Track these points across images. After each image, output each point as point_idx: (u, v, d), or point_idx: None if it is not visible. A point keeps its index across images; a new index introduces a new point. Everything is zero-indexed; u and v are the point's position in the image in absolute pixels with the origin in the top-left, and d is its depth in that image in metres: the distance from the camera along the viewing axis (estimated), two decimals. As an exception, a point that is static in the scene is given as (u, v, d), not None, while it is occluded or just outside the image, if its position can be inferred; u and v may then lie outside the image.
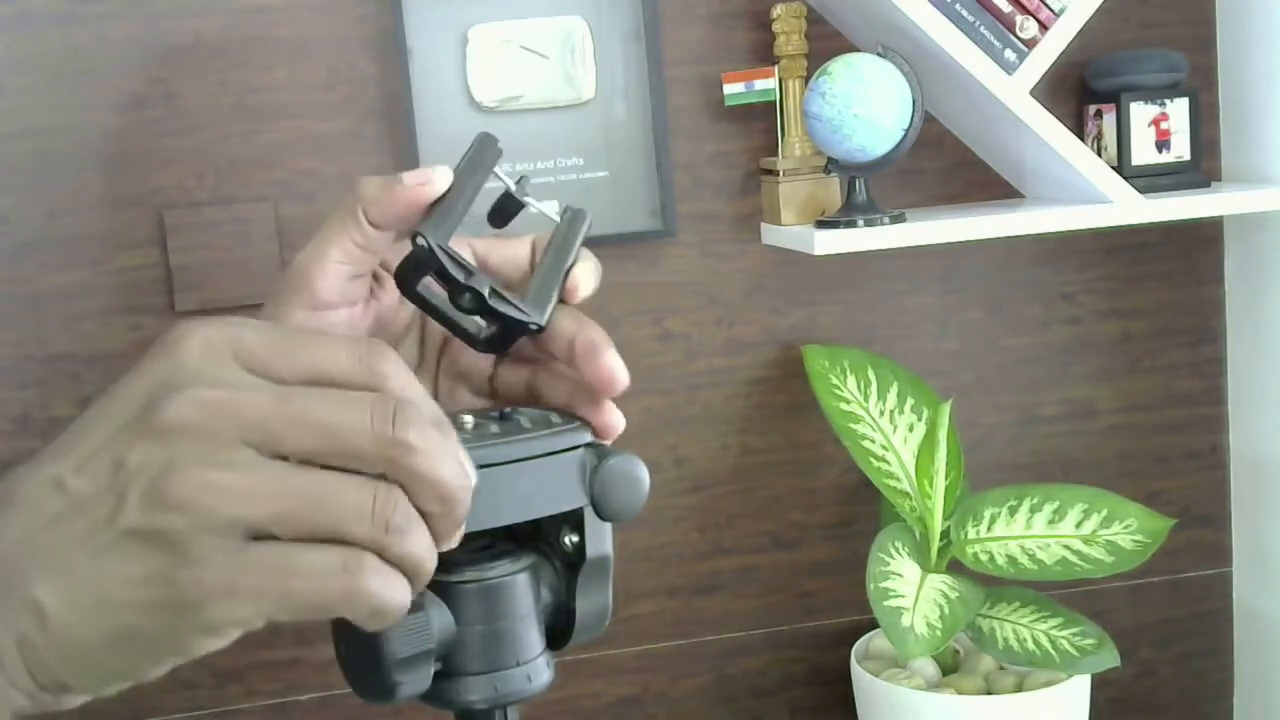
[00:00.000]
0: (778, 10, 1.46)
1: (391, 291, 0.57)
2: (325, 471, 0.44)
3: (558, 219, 0.58)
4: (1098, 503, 1.44)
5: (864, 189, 1.41)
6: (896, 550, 1.40)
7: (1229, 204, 1.47)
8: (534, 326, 0.54)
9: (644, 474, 0.54)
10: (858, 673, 1.47)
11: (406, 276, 0.55)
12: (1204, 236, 1.64)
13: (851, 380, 1.51)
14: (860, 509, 1.61)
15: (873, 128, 1.35)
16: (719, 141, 1.53)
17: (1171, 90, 1.50)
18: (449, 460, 0.45)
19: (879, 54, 1.37)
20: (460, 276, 0.53)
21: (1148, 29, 1.58)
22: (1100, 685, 1.49)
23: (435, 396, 0.59)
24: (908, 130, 1.36)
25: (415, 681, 0.50)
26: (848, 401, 1.49)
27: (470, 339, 0.56)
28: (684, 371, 1.57)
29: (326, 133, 1.47)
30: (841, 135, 1.35)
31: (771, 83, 1.44)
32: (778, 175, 1.47)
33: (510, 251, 0.60)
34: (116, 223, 1.44)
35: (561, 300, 0.56)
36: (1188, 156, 1.50)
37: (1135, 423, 1.66)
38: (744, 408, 1.58)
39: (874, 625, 1.50)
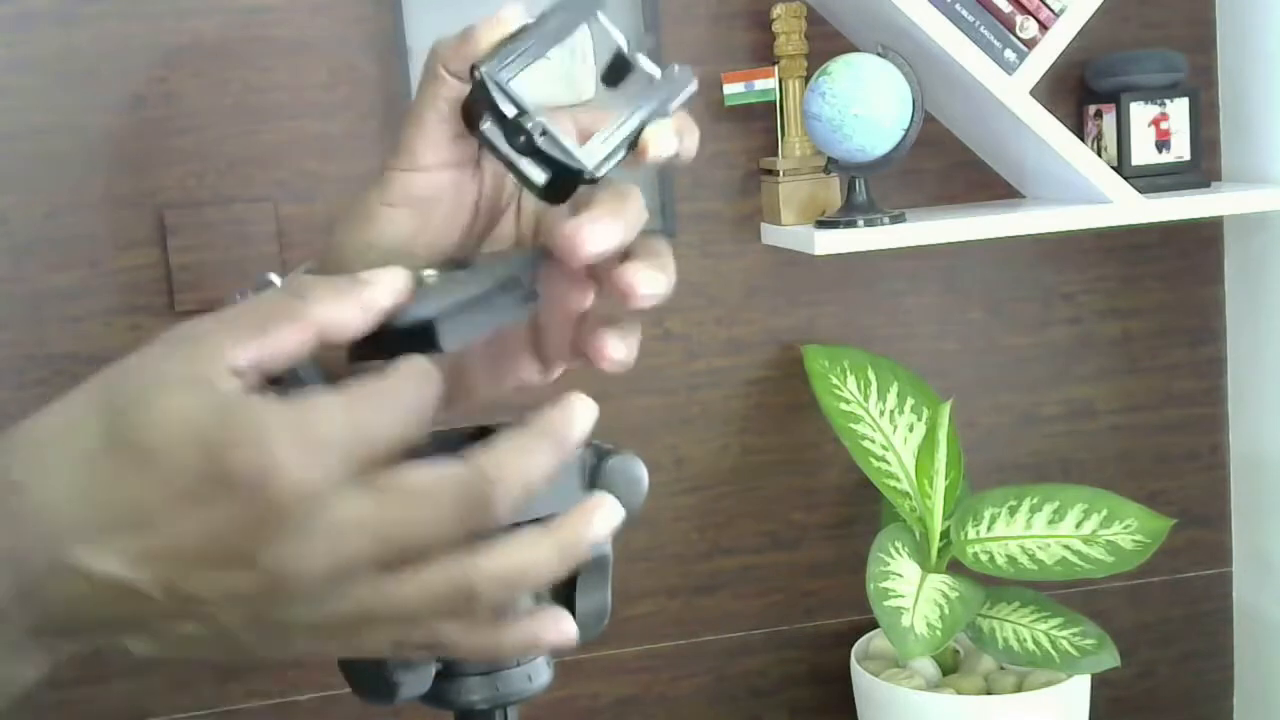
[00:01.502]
0: (778, 10, 1.46)
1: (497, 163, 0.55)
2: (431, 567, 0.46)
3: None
4: (1098, 503, 1.44)
5: (864, 189, 1.41)
6: (896, 550, 1.40)
7: (1229, 204, 1.47)
8: (585, 174, 0.52)
9: (644, 474, 0.54)
10: (858, 673, 1.47)
11: (470, 114, 0.53)
12: (1204, 236, 1.64)
13: (851, 380, 1.51)
14: (860, 509, 1.61)
15: (873, 128, 1.35)
16: (719, 141, 1.53)
17: (1171, 90, 1.49)
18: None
19: (879, 54, 1.37)
20: (509, 111, 0.51)
21: (1148, 29, 1.58)
22: (1100, 685, 1.49)
23: None
24: (908, 130, 1.36)
25: (416, 682, 0.50)
26: (848, 401, 1.49)
27: (531, 186, 0.54)
28: (684, 371, 1.57)
29: (326, 133, 1.46)
30: (841, 135, 1.35)
31: (771, 83, 1.44)
32: (778, 175, 1.47)
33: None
34: (116, 223, 1.44)
35: (634, 153, 0.53)
36: (1188, 156, 1.50)
37: (1135, 423, 1.66)
38: (744, 408, 1.58)
39: (874, 625, 1.50)
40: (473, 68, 0.51)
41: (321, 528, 0.44)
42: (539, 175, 0.52)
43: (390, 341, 0.49)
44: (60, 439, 0.45)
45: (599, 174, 0.51)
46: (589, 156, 0.51)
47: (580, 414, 0.49)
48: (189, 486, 0.43)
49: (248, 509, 0.43)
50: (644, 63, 0.55)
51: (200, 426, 0.43)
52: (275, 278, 0.59)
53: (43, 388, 1.45)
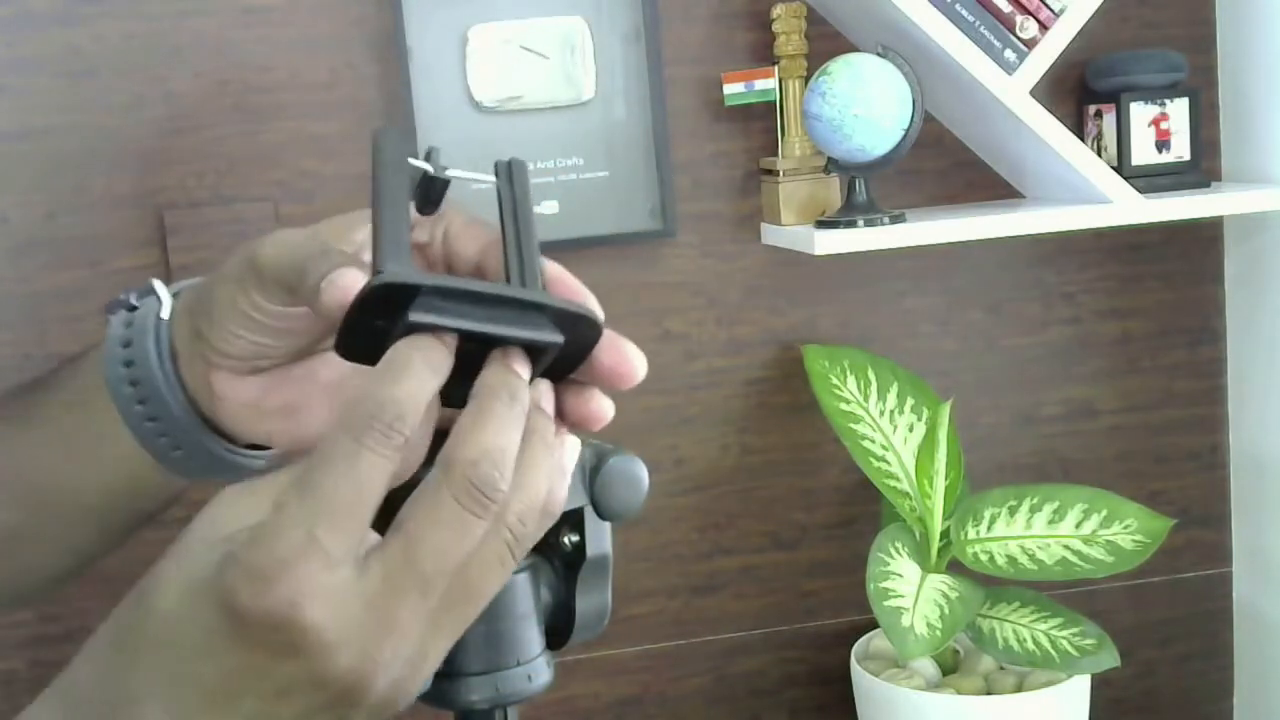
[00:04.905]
0: (778, 10, 1.46)
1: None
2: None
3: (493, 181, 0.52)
4: (1098, 503, 1.44)
5: (864, 189, 1.41)
6: (896, 550, 1.40)
7: (1229, 204, 1.47)
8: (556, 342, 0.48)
9: (644, 474, 0.54)
10: (858, 673, 1.47)
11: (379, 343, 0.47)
12: (1204, 236, 1.64)
13: (851, 380, 1.51)
14: (860, 509, 1.61)
15: (873, 128, 1.35)
16: (719, 141, 1.53)
17: (1171, 90, 1.50)
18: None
19: (879, 54, 1.37)
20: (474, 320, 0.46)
21: (1148, 29, 1.58)
22: (1100, 685, 1.49)
23: None
24: (908, 130, 1.36)
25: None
26: (848, 401, 1.49)
27: None
28: (684, 371, 1.57)
29: (326, 133, 1.46)
30: (841, 135, 1.35)
31: (771, 83, 1.44)
32: (778, 175, 1.47)
33: (470, 247, 0.55)
34: (116, 223, 1.44)
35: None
36: (1188, 156, 1.50)
37: (1135, 423, 1.66)
38: (744, 408, 1.58)
39: (874, 625, 1.50)
40: (409, 325, 0.47)
41: (356, 622, 0.44)
42: None
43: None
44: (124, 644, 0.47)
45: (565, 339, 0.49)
46: (553, 331, 0.49)
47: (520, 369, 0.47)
48: (207, 641, 0.45)
49: (273, 653, 0.44)
50: (473, 174, 0.53)
51: (201, 586, 0.45)
52: (158, 283, 0.59)
53: (43, 388, 1.45)
